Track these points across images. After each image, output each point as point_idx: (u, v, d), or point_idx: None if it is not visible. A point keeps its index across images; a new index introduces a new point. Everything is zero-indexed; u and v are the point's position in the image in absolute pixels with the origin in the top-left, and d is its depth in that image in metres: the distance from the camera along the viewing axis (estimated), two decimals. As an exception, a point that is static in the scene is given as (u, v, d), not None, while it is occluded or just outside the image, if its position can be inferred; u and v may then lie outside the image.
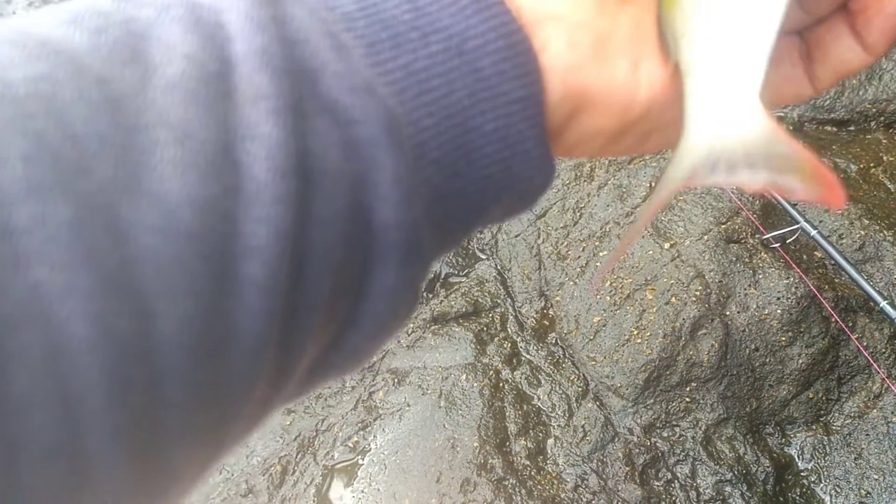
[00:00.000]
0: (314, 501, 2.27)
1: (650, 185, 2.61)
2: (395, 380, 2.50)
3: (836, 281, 2.26)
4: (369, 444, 2.35)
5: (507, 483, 2.14)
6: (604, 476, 2.15)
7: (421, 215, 0.30)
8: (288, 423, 2.54)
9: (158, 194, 0.23)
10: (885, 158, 2.68)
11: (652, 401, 2.24)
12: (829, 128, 3.09)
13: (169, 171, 0.24)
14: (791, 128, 3.10)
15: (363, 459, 2.32)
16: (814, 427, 2.20)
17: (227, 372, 0.25)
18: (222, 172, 0.25)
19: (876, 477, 2.07)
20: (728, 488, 2.10)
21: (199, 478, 0.28)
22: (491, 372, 2.44)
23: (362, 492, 2.25)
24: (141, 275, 0.23)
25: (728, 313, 2.24)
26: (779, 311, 2.20)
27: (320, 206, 0.27)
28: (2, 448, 0.20)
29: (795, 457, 2.19)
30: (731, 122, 0.31)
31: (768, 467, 2.14)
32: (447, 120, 0.30)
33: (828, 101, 3.08)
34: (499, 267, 2.86)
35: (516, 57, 0.31)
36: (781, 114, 3.14)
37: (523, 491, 2.12)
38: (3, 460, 0.20)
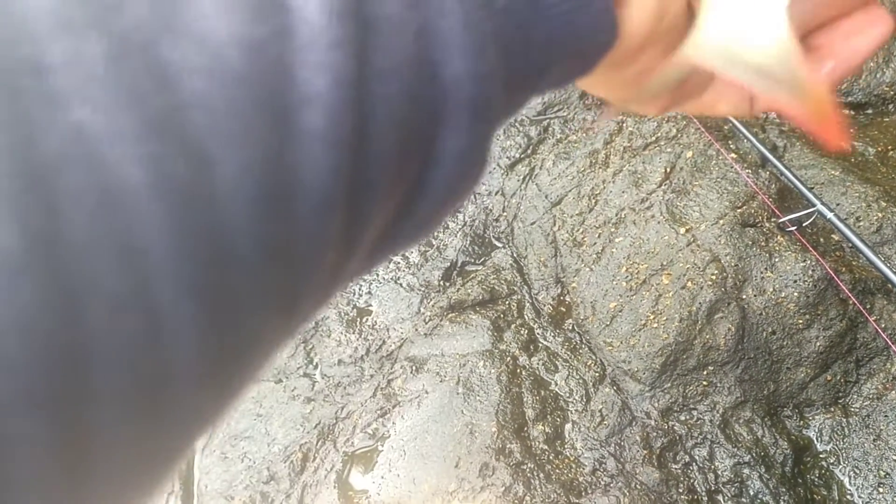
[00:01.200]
0: (335, 487, 2.29)
1: (665, 170, 2.61)
2: (414, 367, 2.52)
3: (854, 263, 2.26)
4: (388, 431, 2.37)
5: (525, 467, 2.16)
6: (621, 459, 2.16)
7: (493, 67, 0.28)
8: (308, 411, 2.57)
9: (201, 34, 0.22)
10: (902, 140, 2.67)
11: (669, 385, 2.25)
12: (846, 111, 3.08)
13: (210, 8, 0.22)
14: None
15: (382, 446, 2.35)
16: (832, 409, 2.20)
17: (296, 230, 0.24)
18: (271, 13, 0.23)
19: (895, 458, 2.07)
20: (746, 470, 2.11)
21: (273, 351, 0.27)
22: (508, 358, 2.46)
23: (382, 477, 2.27)
24: (192, 119, 0.21)
25: (744, 297, 2.24)
26: (796, 294, 2.19)
27: (382, 56, 0.25)
28: (64, 299, 0.19)
29: (814, 439, 2.19)
30: (753, 28, 0.31)
31: (786, 449, 2.14)
32: None
33: (845, 84, 3.07)
34: (515, 255, 2.87)
35: None
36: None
37: (541, 475, 2.14)
38: (68, 312, 0.19)
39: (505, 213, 3.01)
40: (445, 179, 0.29)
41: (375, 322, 2.81)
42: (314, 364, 2.74)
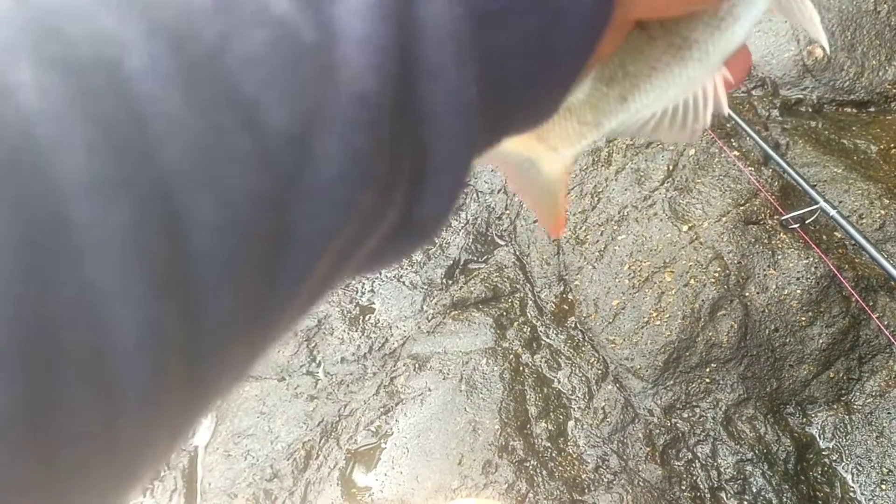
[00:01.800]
0: (338, 485, 2.30)
1: (667, 168, 2.61)
2: (416, 365, 2.52)
3: (857, 261, 2.26)
4: (391, 429, 2.38)
5: (528, 465, 2.16)
6: (624, 457, 2.17)
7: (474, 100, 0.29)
8: (311, 408, 2.57)
9: (225, 190, 0.22)
10: (905, 138, 2.67)
11: (672, 382, 2.25)
12: (848, 109, 3.07)
13: (237, 169, 0.22)
14: (810, 109, 3.08)
15: (385, 443, 2.35)
16: (835, 406, 2.20)
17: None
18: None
19: (898, 455, 2.07)
20: (749, 468, 2.11)
21: (300, 315, 0.28)
22: (511, 356, 2.46)
23: (385, 475, 2.27)
24: (195, 275, 0.22)
25: (747, 294, 2.24)
26: (798, 292, 2.19)
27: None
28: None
29: (816, 436, 2.19)
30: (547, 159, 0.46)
31: (789, 447, 2.14)
32: None
33: (847, 83, 3.06)
34: (517, 252, 2.87)
35: None
36: (801, 96, 3.12)
37: (544, 472, 2.14)
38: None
39: (507, 211, 3.02)
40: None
41: (378, 320, 2.81)
42: (317, 362, 2.74)
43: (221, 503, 2.40)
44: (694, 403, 2.23)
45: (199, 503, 2.48)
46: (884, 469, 2.07)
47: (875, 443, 2.11)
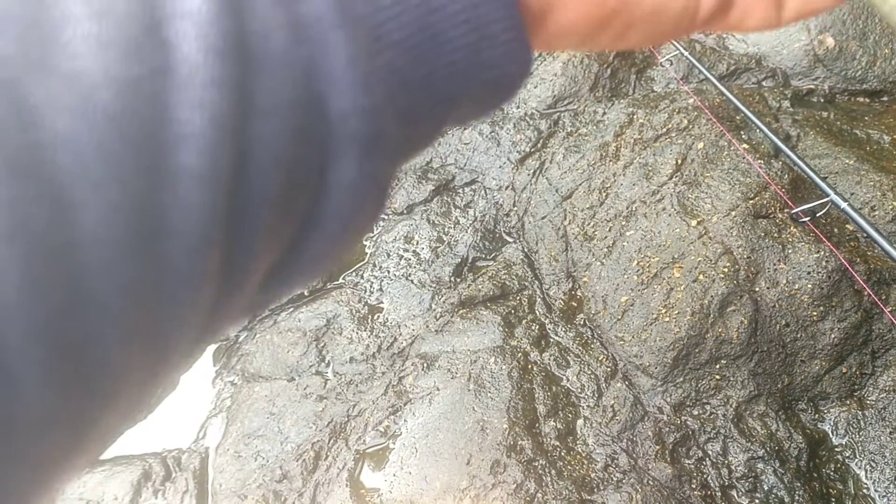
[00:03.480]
0: (347, 486, 2.30)
1: (676, 162, 2.58)
2: (424, 364, 2.51)
3: (869, 254, 2.22)
4: (400, 429, 2.37)
5: (537, 464, 2.15)
6: (634, 455, 2.15)
7: (382, 102, 0.28)
8: (320, 409, 2.57)
9: (71, 73, 0.21)
10: (918, 127, 2.63)
11: (681, 379, 2.23)
12: (861, 98, 3.03)
13: (83, 48, 0.22)
14: (822, 100, 3.04)
15: (394, 444, 2.34)
16: (847, 402, 2.17)
17: (165, 271, 0.24)
18: (148, 52, 0.23)
19: (912, 451, 2.04)
20: (760, 465, 2.08)
21: (142, 395, 0.26)
22: (519, 354, 2.45)
23: (394, 475, 2.27)
24: (55, 160, 0.21)
25: (757, 289, 2.21)
26: (809, 286, 2.16)
27: (265, 95, 0.25)
28: None
29: (829, 432, 2.16)
30: None
31: (801, 443, 2.11)
32: None
33: (860, 72, 3.02)
34: (525, 249, 2.86)
35: None
36: (812, 86, 3.08)
37: (553, 471, 2.13)
38: None
39: (515, 208, 3.00)
40: (337, 214, 0.29)
41: (387, 319, 2.81)
42: (326, 362, 2.74)
43: (232, 504, 2.40)
44: (704, 401, 2.21)
45: (210, 504, 2.49)
46: (898, 465, 2.04)
47: (889, 438, 2.08)
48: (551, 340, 2.51)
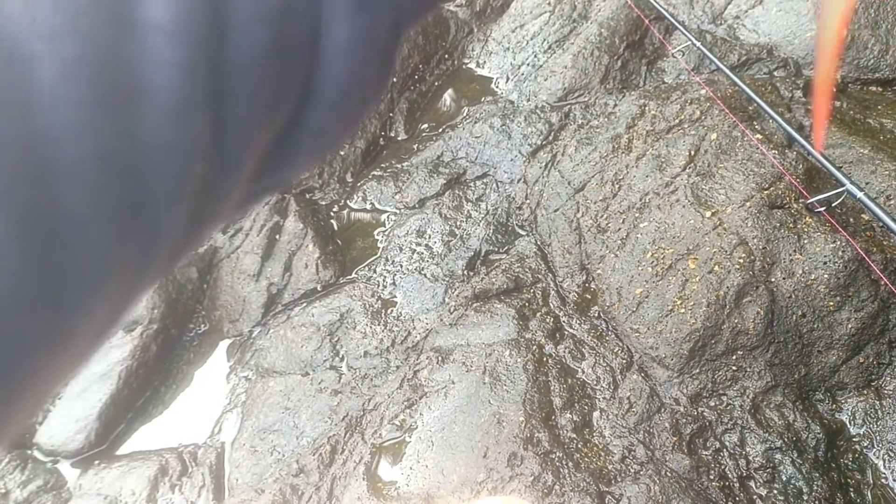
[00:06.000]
0: (364, 479, 2.30)
1: (689, 153, 2.57)
2: (439, 358, 2.52)
3: (885, 243, 2.21)
4: (416, 422, 2.37)
5: (553, 456, 2.15)
6: (651, 447, 2.15)
7: None
8: (335, 403, 2.57)
9: None
10: (933, 116, 2.61)
11: (697, 370, 2.22)
12: (873, 87, 3.02)
13: None
14: (834, 89, 3.03)
15: (410, 437, 2.35)
16: (865, 392, 2.17)
17: (143, 138, 0.21)
18: None
19: (931, 440, 2.03)
20: (778, 456, 2.08)
21: (137, 285, 0.24)
22: (534, 347, 2.45)
23: (411, 468, 2.27)
24: (3, 11, 0.19)
25: (773, 280, 2.20)
26: (826, 276, 2.16)
27: None
28: None
29: (847, 422, 2.15)
30: None
31: (819, 434, 2.11)
32: None
33: (872, 61, 3.01)
34: (538, 242, 2.85)
35: None
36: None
37: (570, 464, 2.13)
38: None
39: (528, 201, 2.99)
40: (336, 80, 0.27)
41: (400, 313, 2.81)
42: (340, 356, 2.74)
43: (249, 499, 2.41)
44: (721, 392, 2.21)
45: (227, 499, 2.49)
46: (917, 455, 2.04)
47: (907, 428, 2.07)
48: (566, 333, 2.51)
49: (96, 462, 2.68)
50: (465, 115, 3.60)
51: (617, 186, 2.69)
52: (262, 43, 0.24)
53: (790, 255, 2.21)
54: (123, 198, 0.21)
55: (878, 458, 2.09)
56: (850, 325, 2.15)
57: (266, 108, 0.25)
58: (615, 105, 3.07)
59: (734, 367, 2.20)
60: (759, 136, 2.52)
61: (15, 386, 0.20)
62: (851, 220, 2.29)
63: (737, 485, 2.07)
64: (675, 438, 2.15)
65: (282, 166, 0.29)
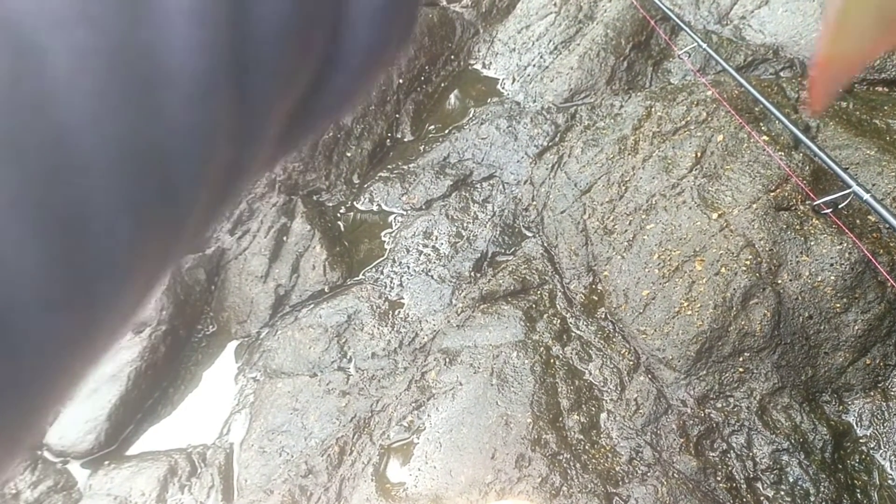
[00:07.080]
0: (372, 480, 2.31)
1: (695, 155, 2.58)
2: (447, 359, 2.53)
3: (892, 245, 2.22)
4: (424, 424, 2.38)
5: (561, 458, 2.16)
6: (658, 448, 2.16)
7: None
8: (343, 404, 2.59)
9: None
10: (939, 117, 2.61)
11: (704, 372, 2.23)
12: (880, 88, 3.02)
13: None
14: (841, 90, 3.03)
15: (418, 438, 2.36)
16: (872, 393, 2.17)
17: (165, 124, 0.21)
18: None
19: (938, 442, 2.04)
20: (785, 457, 2.09)
21: (159, 273, 0.23)
22: (541, 348, 2.46)
23: (419, 470, 2.28)
24: (14, 3, 0.19)
25: (780, 282, 2.21)
26: (832, 278, 2.16)
27: None
28: None
29: (853, 424, 2.16)
30: None
31: (826, 435, 2.12)
32: None
33: (878, 61, 3.01)
34: (545, 244, 2.86)
35: None
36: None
37: (578, 465, 2.14)
38: None
39: (534, 203, 3.00)
40: (364, 45, 0.26)
41: (408, 315, 2.82)
42: (348, 357, 2.76)
43: (258, 499, 2.42)
44: (728, 393, 2.22)
45: (236, 499, 2.51)
46: (923, 456, 2.04)
47: (914, 430, 2.08)
48: (573, 334, 2.52)
49: (106, 462, 2.69)
50: (471, 116, 3.61)
51: (623, 188, 2.69)
52: (286, 13, 0.23)
53: (797, 256, 2.22)
54: (147, 185, 0.21)
55: (884, 459, 2.09)
56: (856, 327, 2.15)
57: (289, 82, 0.25)
58: (621, 106, 3.07)
59: (741, 369, 2.21)
60: (765, 137, 2.53)
61: (47, 383, 0.20)
62: (858, 221, 2.29)
63: (744, 486, 2.08)
64: (682, 440, 2.16)
65: (303, 126, 0.28)
